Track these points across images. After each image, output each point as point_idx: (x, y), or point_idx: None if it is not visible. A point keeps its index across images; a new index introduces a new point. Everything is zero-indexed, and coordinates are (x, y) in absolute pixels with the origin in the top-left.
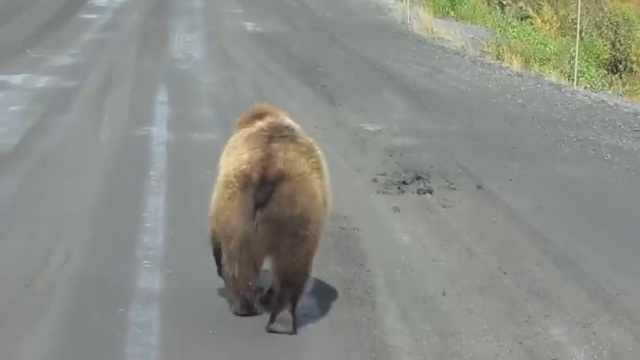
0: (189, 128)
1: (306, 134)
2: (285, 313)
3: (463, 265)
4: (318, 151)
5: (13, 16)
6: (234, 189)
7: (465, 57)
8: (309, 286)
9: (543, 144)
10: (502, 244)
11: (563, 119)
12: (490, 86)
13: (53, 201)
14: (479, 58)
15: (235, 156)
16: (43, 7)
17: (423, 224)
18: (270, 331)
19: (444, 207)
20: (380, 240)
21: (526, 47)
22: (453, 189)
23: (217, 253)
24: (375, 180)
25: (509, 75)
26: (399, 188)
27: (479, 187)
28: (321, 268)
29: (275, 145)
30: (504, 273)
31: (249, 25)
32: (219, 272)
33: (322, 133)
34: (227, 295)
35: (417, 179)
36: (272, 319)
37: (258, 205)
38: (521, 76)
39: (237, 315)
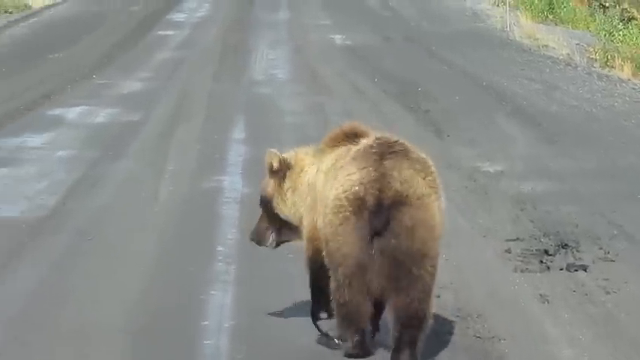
0: None
1: (417, 148)
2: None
3: None
4: (433, 167)
5: (85, 35)
6: (347, 213)
7: (578, 68)
8: (428, 326)
9: None
10: None
11: None
12: (616, 105)
13: (82, 302)
14: (594, 70)
15: (343, 177)
16: (118, 24)
17: (586, 326)
18: None
19: (608, 293)
20: (532, 358)
21: (635, 52)
22: (612, 261)
23: (317, 285)
24: (508, 250)
25: (634, 89)
26: (541, 262)
27: None
28: None
29: (388, 163)
30: None
31: (338, 38)
32: (315, 312)
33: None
34: (337, 334)
35: (563, 247)
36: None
37: (375, 232)
38: None
39: (350, 357)
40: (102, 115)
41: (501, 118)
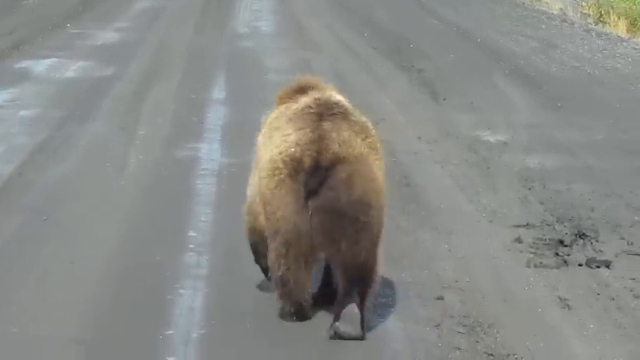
0: (252, 145)
1: (358, 111)
2: (352, 315)
3: None
4: (373, 131)
5: None
6: (282, 176)
7: (575, 25)
8: (377, 283)
9: None
10: None
11: None
12: (619, 66)
13: (27, 302)
14: (591, 27)
15: (280, 138)
16: None
17: (617, 340)
18: (335, 335)
19: (637, 297)
20: None
21: (630, 8)
22: (637, 254)
23: (258, 252)
24: (518, 239)
25: (635, 49)
26: (557, 254)
27: None
28: None
29: (326, 125)
30: None
31: None
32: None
33: (429, 148)
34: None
35: (580, 237)
36: (337, 318)
37: (311, 193)
38: None
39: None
40: (73, 69)
41: (499, 79)
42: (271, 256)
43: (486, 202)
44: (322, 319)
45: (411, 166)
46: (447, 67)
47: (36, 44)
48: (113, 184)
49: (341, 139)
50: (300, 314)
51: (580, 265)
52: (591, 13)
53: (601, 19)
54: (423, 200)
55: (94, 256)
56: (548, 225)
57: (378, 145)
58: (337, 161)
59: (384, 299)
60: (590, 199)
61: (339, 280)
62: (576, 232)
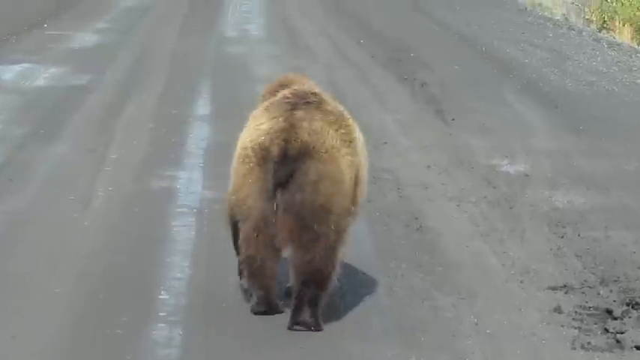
0: None
1: (336, 101)
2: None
3: None
4: (350, 120)
5: None
6: (251, 164)
7: (583, 33)
8: (331, 286)
9: None
10: None
11: None
12: (639, 82)
13: None
14: (602, 36)
15: (254, 126)
16: None
17: None
18: (293, 326)
19: None
20: None
21: (635, 14)
22: None
23: (236, 235)
24: (557, 309)
25: None
26: (606, 330)
27: None
28: None
29: (299, 114)
30: None
31: None
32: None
33: (441, 180)
34: (244, 289)
35: (633, 308)
36: (293, 321)
37: (278, 184)
38: None
39: (255, 313)
40: (44, 77)
41: (511, 95)
42: (241, 238)
43: (514, 255)
44: None
45: (422, 205)
46: (452, 79)
47: (8, 46)
48: (74, 225)
49: (312, 128)
50: (266, 301)
51: (638, 348)
52: (595, 19)
53: (604, 25)
54: (439, 251)
55: (40, 330)
56: (590, 288)
57: (355, 135)
58: (306, 153)
59: None
60: (634, 252)
61: (293, 282)
62: (627, 299)
